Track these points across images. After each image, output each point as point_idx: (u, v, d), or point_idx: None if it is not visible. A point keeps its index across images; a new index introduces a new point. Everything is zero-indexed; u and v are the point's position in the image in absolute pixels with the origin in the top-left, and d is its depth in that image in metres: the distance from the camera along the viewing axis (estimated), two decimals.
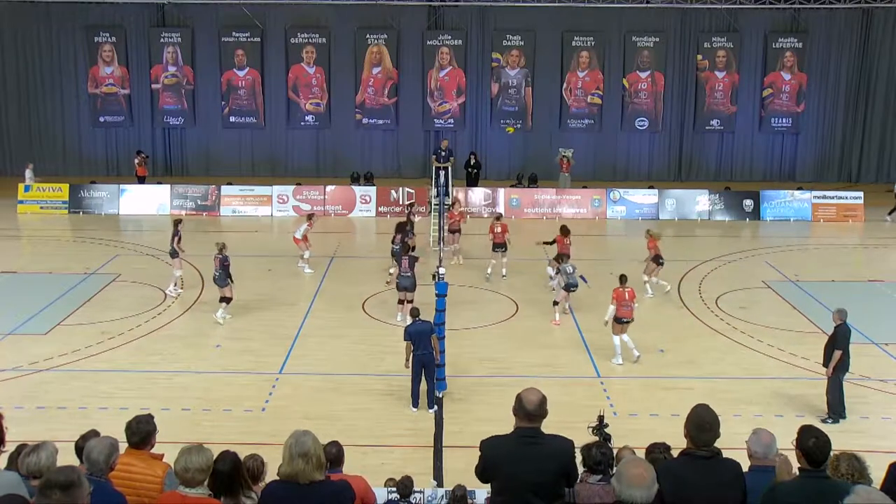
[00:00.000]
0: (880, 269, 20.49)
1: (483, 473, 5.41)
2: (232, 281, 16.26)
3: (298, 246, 19.53)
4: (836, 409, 12.43)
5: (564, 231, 18.08)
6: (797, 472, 5.41)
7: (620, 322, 14.48)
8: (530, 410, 5.22)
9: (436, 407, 12.55)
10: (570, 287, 16.22)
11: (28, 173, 25.76)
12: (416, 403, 12.67)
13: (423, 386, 12.82)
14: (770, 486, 5.17)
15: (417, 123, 29.54)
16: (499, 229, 19.08)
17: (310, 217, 20.04)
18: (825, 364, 12.49)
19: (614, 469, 7.30)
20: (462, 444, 11.59)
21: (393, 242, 18.49)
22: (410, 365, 12.64)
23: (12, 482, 4.96)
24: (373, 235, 22.97)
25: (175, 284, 17.85)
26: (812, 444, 5.17)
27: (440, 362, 12.87)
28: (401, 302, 16.39)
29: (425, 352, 12.54)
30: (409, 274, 16.14)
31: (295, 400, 13.08)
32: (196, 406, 12.78)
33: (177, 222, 18.19)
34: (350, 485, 5.18)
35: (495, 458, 5.23)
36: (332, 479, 5.16)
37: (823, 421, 12.12)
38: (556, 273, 16.69)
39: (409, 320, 13.58)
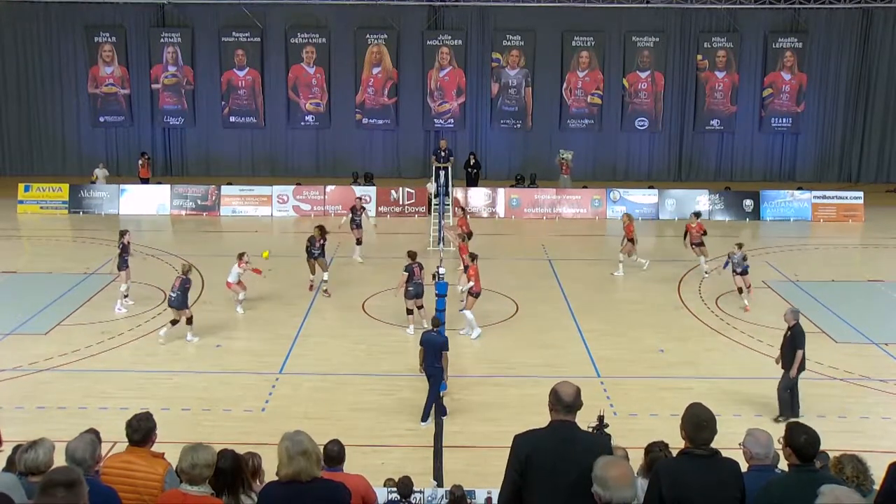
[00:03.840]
0: (880, 269, 20.49)
1: (515, 467, 5.13)
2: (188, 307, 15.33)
3: (232, 289, 16.80)
4: (787, 408, 12.42)
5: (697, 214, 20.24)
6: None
7: (476, 296, 15.58)
8: (568, 402, 5.15)
9: (429, 421, 12.29)
10: (743, 271, 17.37)
11: (99, 172, 26.05)
12: (425, 418, 12.38)
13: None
14: (766, 484, 5.19)
15: (417, 123, 29.54)
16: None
17: (240, 257, 16.72)
18: (784, 366, 12.47)
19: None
20: (462, 444, 11.61)
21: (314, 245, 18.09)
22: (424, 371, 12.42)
23: (9, 484, 4.96)
24: (373, 235, 22.96)
25: (125, 298, 17.02)
26: (803, 440, 5.21)
27: (445, 378, 12.64)
28: (410, 311, 15.89)
29: (433, 364, 12.21)
30: (420, 281, 15.79)
31: (295, 400, 13.08)
32: (196, 406, 12.78)
33: (122, 233, 17.31)
34: (344, 485, 5.17)
35: (528, 452, 5.11)
36: (326, 477, 5.16)
37: (775, 420, 12.14)
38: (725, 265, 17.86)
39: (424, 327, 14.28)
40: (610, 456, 4.73)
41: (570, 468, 5.02)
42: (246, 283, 16.89)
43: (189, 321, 15.36)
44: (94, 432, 5.73)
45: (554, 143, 28.76)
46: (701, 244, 19.11)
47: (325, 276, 18.13)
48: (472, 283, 15.66)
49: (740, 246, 17.43)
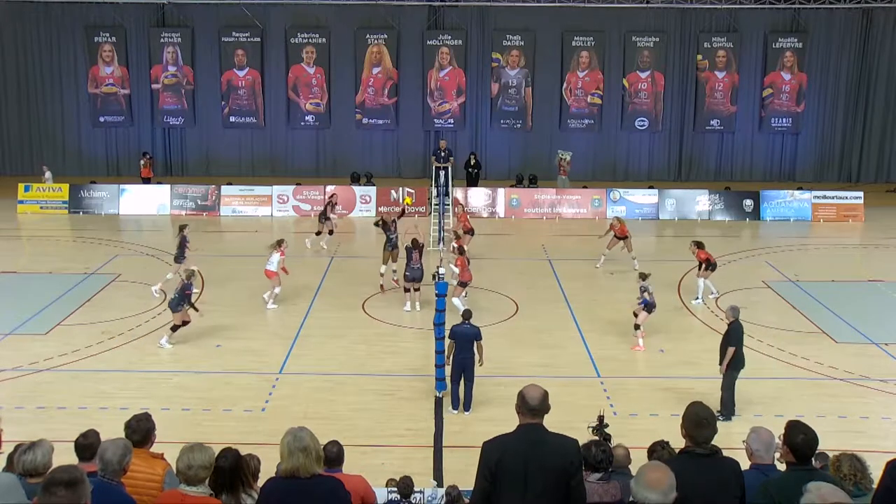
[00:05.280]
0: (880, 269, 20.48)
1: (485, 474, 5.25)
2: (195, 308, 15.10)
3: (272, 280, 17.13)
4: (728, 408, 12.46)
5: (700, 245, 17.72)
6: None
7: (463, 285, 16.44)
8: (534, 406, 5.21)
9: (471, 410, 12.63)
10: (652, 308, 15.39)
11: (49, 173, 25.90)
12: (455, 405, 12.66)
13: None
14: (763, 483, 5.20)
15: (417, 123, 29.54)
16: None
17: (279, 243, 17.28)
18: (720, 362, 12.56)
19: (612, 467, 7.32)
20: (462, 444, 11.61)
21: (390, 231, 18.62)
22: (451, 365, 12.64)
23: (8, 484, 4.95)
24: (373, 235, 22.93)
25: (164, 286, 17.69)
26: (801, 440, 5.25)
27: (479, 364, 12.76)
28: (406, 290, 17.08)
29: (466, 356, 12.45)
30: (417, 266, 16.85)
31: (295, 400, 13.08)
32: (196, 406, 12.78)
33: (182, 227, 18.21)
34: (343, 483, 5.20)
35: (499, 457, 5.17)
36: (326, 476, 5.19)
37: (717, 413, 12.13)
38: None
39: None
40: (660, 462, 4.74)
41: (539, 470, 5.05)
42: (283, 276, 17.23)
43: (175, 328, 14.98)
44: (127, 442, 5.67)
45: (554, 143, 28.76)
46: (705, 268, 17.56)
47: (394, 266, 18.43)
48: (457, 270, 16.58)
49: (643, 276, 15.57)
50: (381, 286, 18.17)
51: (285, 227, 24.37)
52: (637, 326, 15.29)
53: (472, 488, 8.35)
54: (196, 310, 15.14)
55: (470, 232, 19.70)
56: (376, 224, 19.29)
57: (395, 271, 18.33)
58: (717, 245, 22.11)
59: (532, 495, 5.06)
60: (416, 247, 16.88)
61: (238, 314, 16.65)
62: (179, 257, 17.81)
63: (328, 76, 29.14)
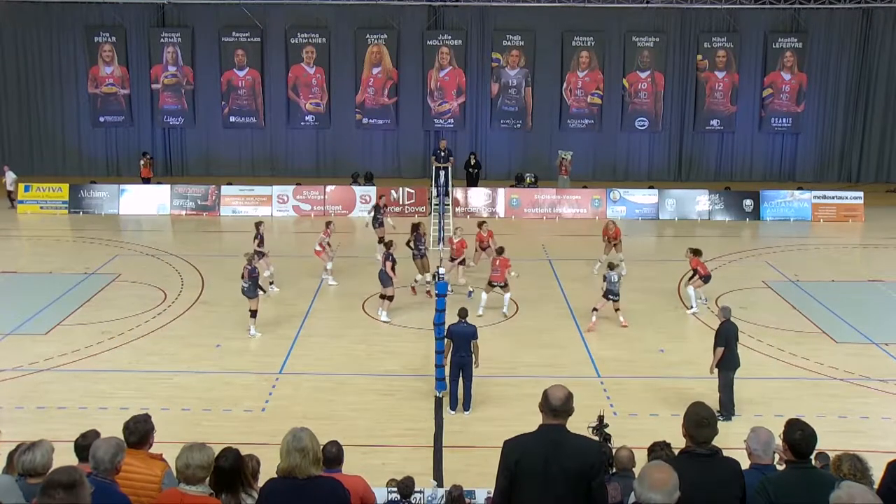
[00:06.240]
0: (880, 269, 20.47)
1: (505, 473, 5.21)
2: (262, 289, 15.98)
3: (320, 257, 18.75)
4: (727, 408, 12.46)
5: (697, 252, 17.38)
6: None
7: (491, 285, 16.80)
8: (556, 406, 5.19)
9: (470, 410, 12.58)
10: (609, 294, 16.17)
11: (10, 175, 25.76)
12: (453, 406, 12.62)
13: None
14: (760, 481, 5.22)
15: (417, 123, 29.54)
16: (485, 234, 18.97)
17: (327, 225, 18.98)
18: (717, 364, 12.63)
19: (614, 468, 7.33)
20: (462, 444, 11.61)
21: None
22: (449, 365, 12.62)
23: (6, 485, 4.95)
24: (373, 235, 22.92)
25: (271, 285, 17.97)
26: (798, 436, 5.28)
27: (475, 365, 12.74)
28: (382, 297, 16.74)
29: (464, 354, 12.44)
30: (382, 268, 16.59)
31: (295, 400, 13.08)
32: (196, 406, 12.77)
33: (258, 224, 18.54)
34: (342, 483, 5.20)
35: (518, 456, 5.16)
36: (325, 477, 5.19)
37: (717, 413, 12.12)
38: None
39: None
40: (663, 462, 4.74)
41: (558, 471, 5.03)
42: (331, 253, 18.50)
43: (253, 314, 15.56)
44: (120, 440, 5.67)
45: (554, 143, 28.78)
46: (697, 277, 17.21)
47: (428, 276, 17.97)
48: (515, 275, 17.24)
49: (611, 266, 16.48)
50: (426, 291, 17.90)
51: (285, 228, 24.40)
52: (595, 309, 16.18)
53: (473, 488, 8.41)
54: (263, 291, 16.04)
55: (485, 248, 19.04)
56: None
57: (427, 282, 17.95)
58: (717, 245, 22.17)
59: (551, 496, 5.04)
60: (388, 249, 16.71)
61: (238, 314, 16.63)
62: (261, 253, 17.89)
63: (328, 76, 29.14)
